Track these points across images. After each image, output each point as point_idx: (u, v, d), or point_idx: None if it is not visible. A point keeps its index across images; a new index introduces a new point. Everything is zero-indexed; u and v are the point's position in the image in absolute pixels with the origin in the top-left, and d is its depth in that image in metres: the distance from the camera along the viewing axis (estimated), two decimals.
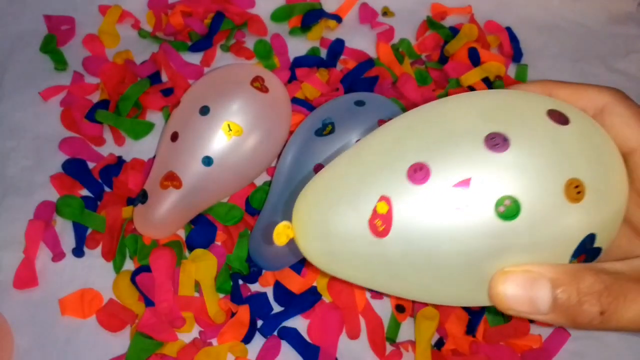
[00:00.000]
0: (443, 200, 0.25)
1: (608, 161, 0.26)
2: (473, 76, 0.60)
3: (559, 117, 0.26)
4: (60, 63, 0.60)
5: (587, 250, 0.26)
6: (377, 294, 0.49)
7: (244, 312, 0.47)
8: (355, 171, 0.27)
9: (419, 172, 0.25)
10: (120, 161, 0.54)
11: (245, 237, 0.50)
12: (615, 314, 0.24)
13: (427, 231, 0.25)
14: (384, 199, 0.26)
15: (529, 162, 0.24)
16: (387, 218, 0.25)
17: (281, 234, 0.29)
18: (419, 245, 0.25)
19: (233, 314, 0.47)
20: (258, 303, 0.48)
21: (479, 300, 0.27)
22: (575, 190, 0.24)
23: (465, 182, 0.24)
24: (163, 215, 0.48)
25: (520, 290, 0.24)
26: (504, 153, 0.24)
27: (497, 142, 0.25)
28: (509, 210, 0.24)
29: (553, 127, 0.25)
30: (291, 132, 0.52)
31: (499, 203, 0.24)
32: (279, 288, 0.49)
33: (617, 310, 0.24)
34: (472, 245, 0.25)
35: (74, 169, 0.54)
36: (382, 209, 0.26)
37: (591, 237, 0.25)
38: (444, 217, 0.25)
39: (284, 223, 0.29)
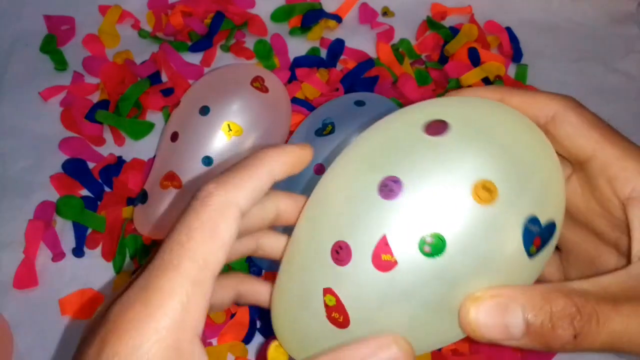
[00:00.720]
0: (374, 269, 0.24)
1: (507, 142, 0.25)
2: (473, 76, 0.60)
3: (437, 128, 0.25)
4: (60, 63, 0.60)
5: (537, 233, 0.25)
6: None
7: (243, 312, 0.47)
8: (294, 271, 0.27)
9: (341, 252, 0.25)
10: (120, 161, 0.54)
11: None
12: (588, 336, 0.23)
13: (378, 304, 0.24)
14: (327, 291, 0.25)
15: (427, 193, 0.24)
16: (340, 307, 0.25)
17: (277, 357, 0.28)
18: (379, 317, 0.24)
19: (233, 315, 0.47)
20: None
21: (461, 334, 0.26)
22: (485, 191, 0.23)
23: (384, 242, 0.24)
24: (163, 215, 0.48)
25: (492, 318, 0.23)
26: (400, 196, 0.24)
27: (390, 187, 0.24)
28: (435, 246, 0.23)
29: (434, 143, 0.25)
30: (291, 132, 0.52)
31: (421, 244, 0.23)
32: None
33: (590, 333, 0.23)
34: (422, 298, 0.24)
35: (74, 169, 0.54)
36: (331, 301, 0.25)
37: (532, 220, 0.24)
38: (385, 281, 0.24)
39: (274, 344, 0.28)
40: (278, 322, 0.28)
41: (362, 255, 0.24)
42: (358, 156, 0.27)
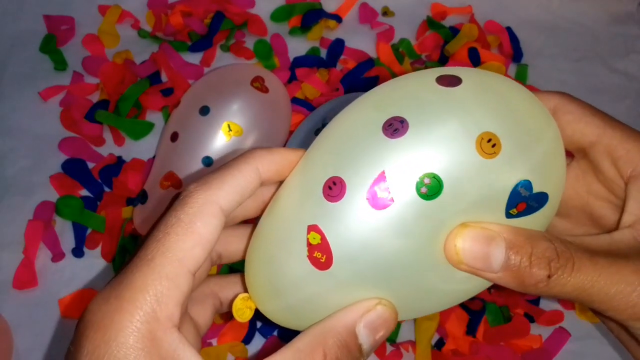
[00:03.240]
0: (368, 206, 0.24)
1: (516, 107, 0.25)
2: None
3: (450, 81, 0.25)
4: (60, 63, 0.60)
5: (525, 198, 0.25)
6: None
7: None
8: (278, 210, 0.26)
9: (334, 188, 0.24)
10: (120, 161, 0.54)
11: None
12: (560, 279, 0.24)
13: (366, 242, 0.24)
14: (312, 228, 0.25)
15: (432, 136, 0.24)
16: (324, 246, 0.24)
17: (242, 308, 0.27)
18: (366, 259, 0.24)
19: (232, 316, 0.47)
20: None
21: (451, 293, 0.27)
22: (489, 145, 0.24)
23: (381, 178, 0.24)
24: None
25: (477, 245, 0.24)
26: (405, 136, 0.24)
27: (395, 127, 0.24)
28: (431, 188, 0.24)
29: (446, 92, 0.25)
30: (291, 132, 0.52)
31: (419, 185, 0.24)
32: None
33: (563, 276, 0.24)
34: (412, 237, 0.24)
35: (74, 169, 0.54)
36: (315, 239, 0.25)
37: (525, 184, 0.25)
38: (376, 220, 0.24)
39: (241, 296, 0.27)
40: (251, 268, 0.27)
41: (357, 190, 0.24)
42: (363, 103, 0.27)
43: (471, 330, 0.47)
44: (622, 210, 0.28)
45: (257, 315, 0.48)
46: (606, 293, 0.25)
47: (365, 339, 0.25)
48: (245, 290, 0.27)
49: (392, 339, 0.47)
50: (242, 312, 0.27)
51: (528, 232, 0.25)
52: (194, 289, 0.28)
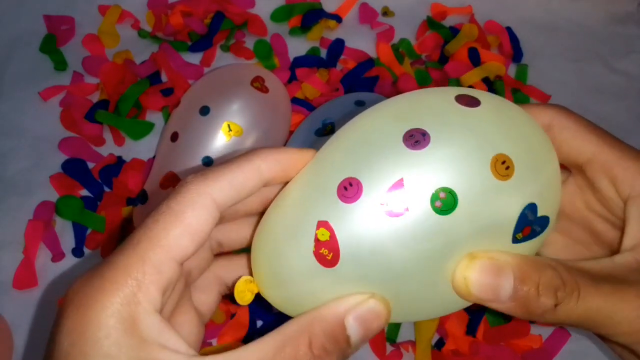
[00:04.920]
0: (382, 211, 0.24)
1: (527, 132, 0.26)
2: (473, 76, 0.60)
3: (469, 101, 0.26)
4: (60, 63, 0.60)
5: (530, 222, 0.25)
6: None
7: (244, 312, 0.47)
8: (289, 204, 0.26)
9: (350, 189, 0.24)
10: (120, 161, 0.54)
11: None
12: (567, 308, 0.25)
13: (374, 246, 0.24)
14: (322, 224, 0.25)
15: (451, 152, 0.24)
16: (332, 244, 0.24)
17: (244, 291, 0.27)
18: (372, 263, 0.24)
19: (233, 315, 0.47)
20: (258, 304, 0.48)
21: (450, 303, 0.27)
22: (503, 167, 0.24)
23: (399, 184, 0.24)
24: None
25: (485, 277, 0.24)
26: (426, 148, 0.24)
27: (416, 138, 0.24)
28: (446, 203, 0.24)
29: (466, 111, 0.25)
30: (291, 132, 0.52)
31: (434, 199, 0.24)
32: None
33: (570, 305, 0.25)
34: (421, 250, 0.24)
35: (74, 169, 0.54)
36: (324, 235, 0.25)
37: (532, 207, 0.25)
38: (388, 227, 0.24)
39: (244, 278, 0.27)
40: (257, 254, 0.27)
41: (373, 194, 0.24)
42: (382, 111, 0.27)
43: (471, 330, 0.47)
44: (622, 231, 0.28)
45: (258, 315, 0.48)
46: (612, 319, 0.25)
47: (354, 331, 0.24)
48: (250, 273, 0.28)
49: (392, 339, 0.47)
50: (244, 295, 0.27)
51: (534, 260, 0.25)
52: (194, 279, 0.28)
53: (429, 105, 0.26)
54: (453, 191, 0.24)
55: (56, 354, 0.22)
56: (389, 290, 0.25)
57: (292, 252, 0.25)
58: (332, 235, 0.24)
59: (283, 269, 0.26)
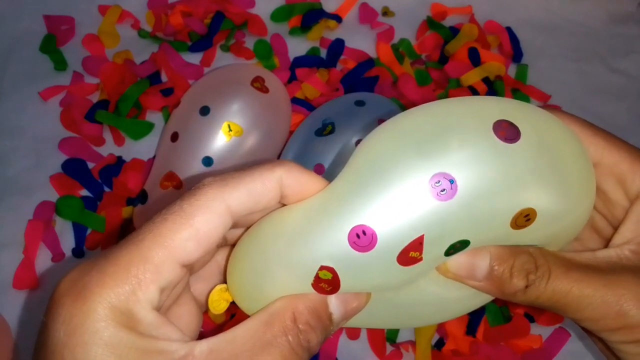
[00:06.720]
0: (395, 262, 0.23)
1: (565, 174, 0.24)
2: (473, 76, 0.60)
3: (508, 131, 0.23)
4: (60, 63, 0.60)
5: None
6: None
7: (244, 313, 0.47)
8: (290, 230, 0.24)
9: (363, 238, 0.23)
10: (120, 161, 0.54)
11: None
12: (537, 290, 0.26)
13: (380, 285, 0.24)
14: (326, 268, 0.23)
15: (478, 205, 0.23)
16: (334, 282, 0.24)
17: (218, 300, 0.26)
18: (376, 299, 0.25)
19: (233, 315, 0.47)
20: None
21: (455, 313, 0.28)
22: (524, 219, 0.24)
23: (419, 241, 0.23)
24: None
25: (464, 256, 0.26)
26: (452, 200, 0.22)
27: (443, 187, 0.22)
28: (458, 250, 0.25)
29: (502, 149, 0.23)
30: (291, 132, 0.52)
31: (449, 248, 0.24)
32: None
33: (539, 287, 0.26)
34: (429, 291, 0.26)
35: (74, 169, 0.54)
36: (326, 275, 0.24)
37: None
38: (397, 273, 0.24)
39: (219, 287, 0.26)
40: (238, 267, 0.26)
41: (388, 248, 0.23)
42: (402, 133, 0.24)
43: (471, 330, 0.47)
44: (615, 230, 0.29)
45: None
46: (578, 304, 0.26)
47: (336, 308, 0.25)
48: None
49: (392, 339, 0.47)
50: (218, 304, 0.27)
51: (513, 247, 0.27)
52: (195, 272, 0.28)
53: (460, 133, 0.23)
54: (468, 240, 0.24)
55: (50, 343, 0.21)
56: (388, 318, 0.27)
57: (287, 279, 0.24)
58: (335, 277, 0.24)
59: (272, 290, 0.25)
